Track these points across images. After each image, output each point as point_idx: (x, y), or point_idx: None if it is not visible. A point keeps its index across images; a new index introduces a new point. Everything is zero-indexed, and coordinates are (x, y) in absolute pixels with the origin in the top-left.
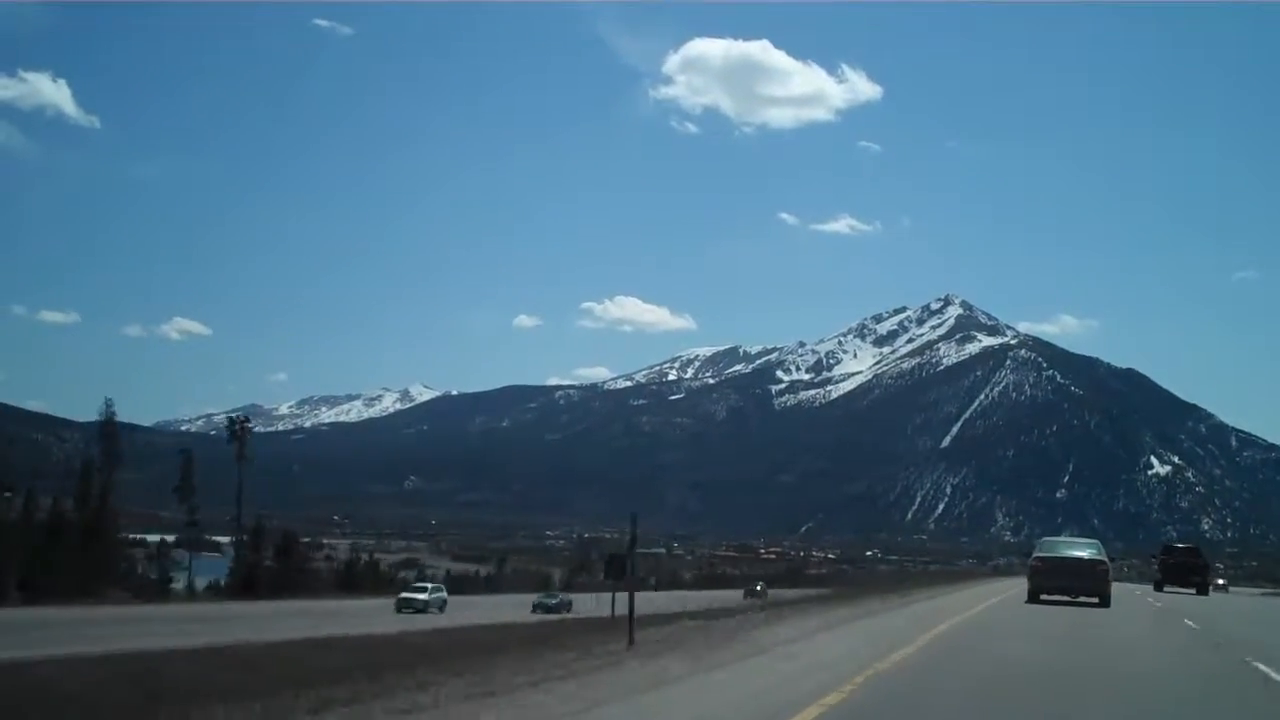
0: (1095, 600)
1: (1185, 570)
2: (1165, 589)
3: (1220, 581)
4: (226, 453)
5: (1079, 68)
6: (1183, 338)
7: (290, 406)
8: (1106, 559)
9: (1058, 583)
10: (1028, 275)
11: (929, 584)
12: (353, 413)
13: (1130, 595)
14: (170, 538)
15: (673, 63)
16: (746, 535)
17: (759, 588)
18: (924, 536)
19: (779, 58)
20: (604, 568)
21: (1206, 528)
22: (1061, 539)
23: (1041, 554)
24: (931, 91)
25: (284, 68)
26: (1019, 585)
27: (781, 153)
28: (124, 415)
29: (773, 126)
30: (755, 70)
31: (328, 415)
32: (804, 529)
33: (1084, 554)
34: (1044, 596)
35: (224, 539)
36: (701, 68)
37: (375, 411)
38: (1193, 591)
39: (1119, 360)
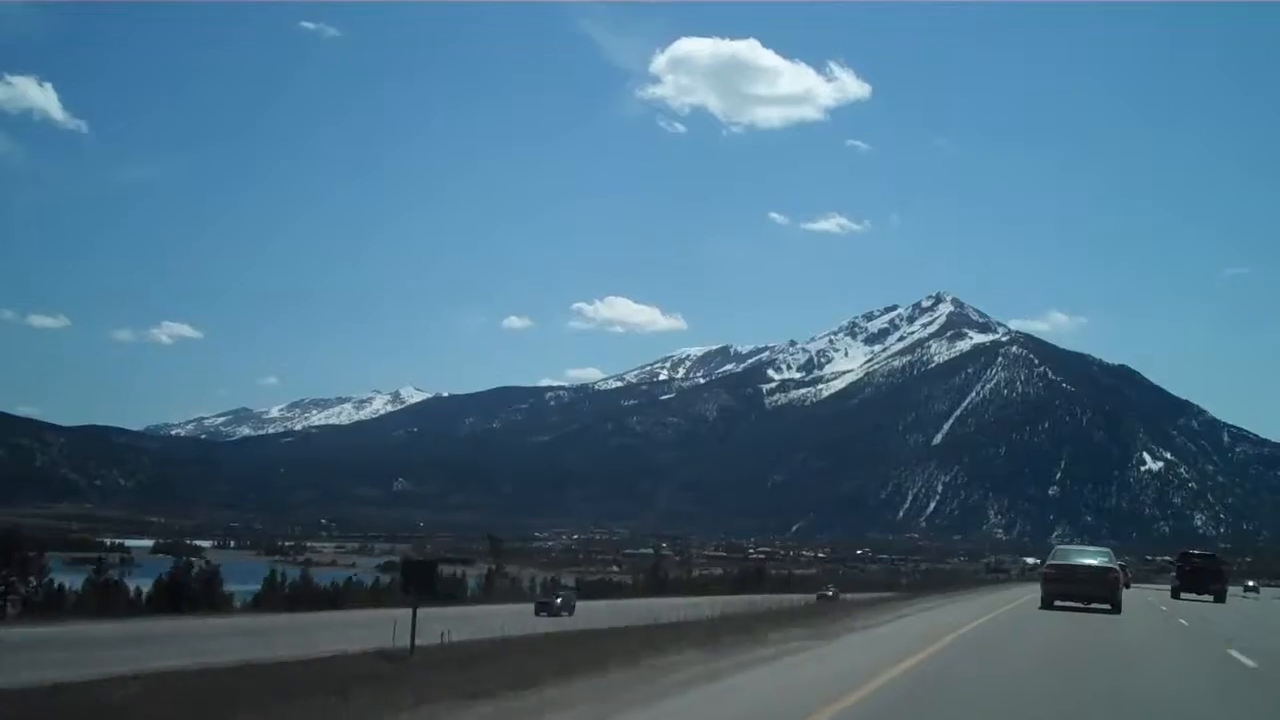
0: (1106, 607)
1: (1204, 577)
2: (1182, 596)
3: (1250, 584)
4: (216, 456)
5: (1068, 65)
6: (1174, 334)
7: (281, 409)
8: (1117, 567)
9: (1070, 590)
10: (1019, 273)
11: (906, 596)
12: (343, 415)
13: (1147, 607)
14: (148, 543)
15: (660, 62)
16: (739, 535)
17: (558, 600)
18: (916, 535)
19: (767, 57)
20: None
21: (1199, 524)
22: (1073, 547)
23: (1054, 562)
24: (920, 90)
25: (271, 70)
26: (1027, 598)
27: (770, 152)
28: (114, 420)
29: (761, 126)
30: (743, 69)
31: (318, 418)
32: (795, 528)
33: (1095, 562)
34: (1057, 603)
35: (205, 543)
36: (689, 67)
37: (366, 414)
38: (1210, 599)
39: (1110, 357)
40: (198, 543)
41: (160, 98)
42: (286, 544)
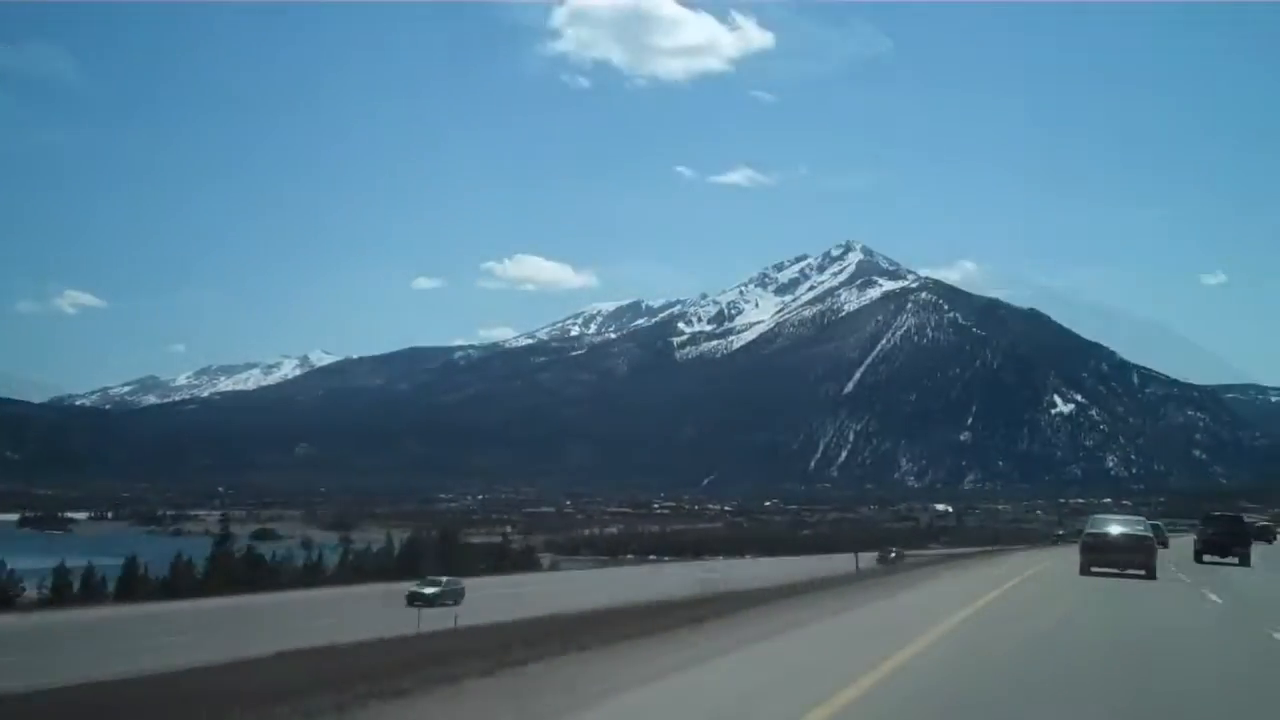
0: (1141, 573)
1: (1227, 540)
2: (1205, 559)
3: None
4: (121, 426)
5: (972, 10)
6: (1083, 277)
7: (188, 377)
8: (1152, 535)
9: (1107, 557)
10: (927, 221)
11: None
12: (251, 381)
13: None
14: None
15: (560, 15)
16: (650, 491)
17: None
18: (828, 485)
19: (668, 6)
20: None
21: (1111, 465)
22: (1110, 516)
23: (1093, 530)
24: (822, 38)
25: (170, 33)
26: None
27: (675, 104)
28: (16, 393)
29: (664, 78)
30: (644, 20)
31: (226, 385)
32: (706, 482)
33: (1132, 530)
34: (1094, 570)
35: (79, 515)
36: (590, 20)
37: (274, 379)
38: (1235, 562)
39: (1019, 301)
40: (70, 515)
41: (62, 63)
42: (167, 514)
